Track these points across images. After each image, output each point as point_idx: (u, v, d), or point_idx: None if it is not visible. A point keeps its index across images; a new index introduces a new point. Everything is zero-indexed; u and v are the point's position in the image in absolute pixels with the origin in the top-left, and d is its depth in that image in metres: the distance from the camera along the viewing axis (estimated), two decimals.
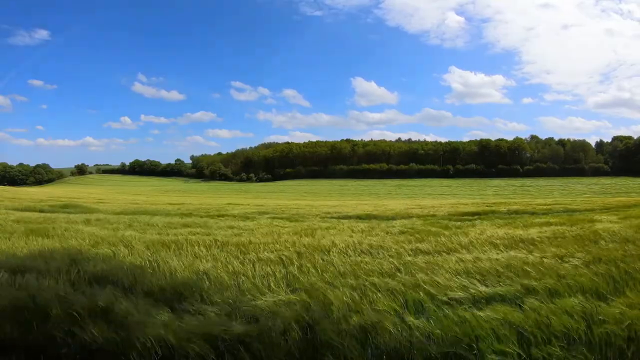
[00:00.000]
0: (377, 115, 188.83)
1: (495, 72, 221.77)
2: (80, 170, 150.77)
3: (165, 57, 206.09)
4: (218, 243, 6.57)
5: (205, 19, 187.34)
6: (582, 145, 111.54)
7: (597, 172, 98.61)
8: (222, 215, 15.11)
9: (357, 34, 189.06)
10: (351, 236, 7.43)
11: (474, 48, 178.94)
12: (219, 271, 4.53)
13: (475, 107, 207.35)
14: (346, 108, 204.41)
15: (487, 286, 3.85)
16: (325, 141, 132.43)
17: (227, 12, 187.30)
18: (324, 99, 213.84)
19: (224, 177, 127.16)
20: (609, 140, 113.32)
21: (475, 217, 13.55)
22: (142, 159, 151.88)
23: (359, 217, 14.11)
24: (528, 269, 4.35)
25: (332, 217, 14.21)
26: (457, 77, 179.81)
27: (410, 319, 3.06)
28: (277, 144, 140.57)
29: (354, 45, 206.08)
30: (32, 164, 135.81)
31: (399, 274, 4.42)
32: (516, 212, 15.25)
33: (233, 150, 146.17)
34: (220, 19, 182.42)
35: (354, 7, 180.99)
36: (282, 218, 13.85)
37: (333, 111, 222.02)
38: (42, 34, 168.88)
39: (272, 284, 4.06)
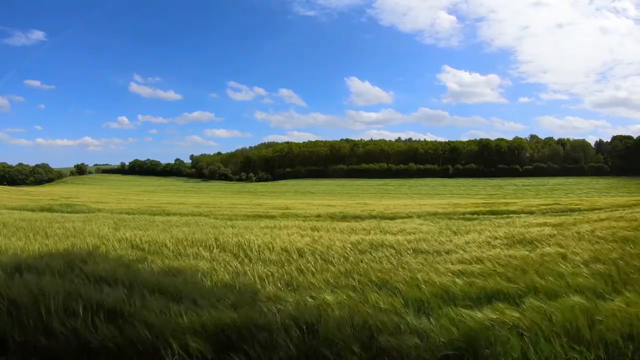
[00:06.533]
0: (373, 115, 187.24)
1: (490, 71, 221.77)
2: (80, 169, 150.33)
3: (160, 57, 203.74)
4: (219, 242, 6.62)
5: (199, 19, 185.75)
6: (581, 144, 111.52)
7: (597, 172, 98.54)
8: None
9: (351, 33, 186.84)
10: (351, 235, 7.47)
11: (469, 47, 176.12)
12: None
13: (472, 107, 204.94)
14: (343, 107, 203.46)
15: (486, 285, 3.85)
16: (325, 141, 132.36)
17: (222, 11, 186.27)
18: (320, 98, 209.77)
19: (224, 177, 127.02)
20: (608, 139, 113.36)
21: (475, 216, 13.58)
22: (142, 158, 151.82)
23: (359, 217, 14.12)
24: (527, 268, 4.36)
25: (333, 217, 14.23)
26: (452, 77, 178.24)
27: (410, 317, 3.06)
28: (277, 143, 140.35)
29: (348, 44, 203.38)
30: (32, 163, 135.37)
31: (398, 273, 4.43)
32: (515, 211, 15.25)
33: (232, 150, 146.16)
34: (215, 18, 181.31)
35: (347, 7, 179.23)
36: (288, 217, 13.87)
37: (330, 111, 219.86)
38: (39, 34, 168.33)
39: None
